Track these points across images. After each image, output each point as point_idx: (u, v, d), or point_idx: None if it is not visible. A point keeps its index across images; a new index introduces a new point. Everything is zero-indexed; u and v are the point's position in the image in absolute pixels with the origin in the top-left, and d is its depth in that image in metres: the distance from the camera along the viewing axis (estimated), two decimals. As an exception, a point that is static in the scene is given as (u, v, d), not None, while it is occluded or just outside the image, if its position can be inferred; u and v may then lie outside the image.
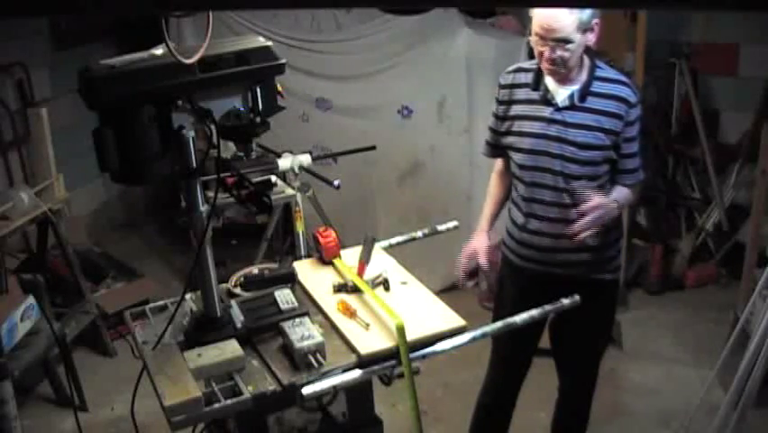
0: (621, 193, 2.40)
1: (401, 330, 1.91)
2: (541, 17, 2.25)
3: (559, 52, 2.26)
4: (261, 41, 1.94)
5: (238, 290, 2.21)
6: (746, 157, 4.28)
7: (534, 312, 2.13)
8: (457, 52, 4.04)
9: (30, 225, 3.58)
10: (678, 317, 4.07)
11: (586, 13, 2.23)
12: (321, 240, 2.34)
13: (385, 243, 2.53)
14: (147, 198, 5.41)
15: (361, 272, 2.23)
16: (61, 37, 4.51)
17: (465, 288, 2.51)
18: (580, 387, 2.75)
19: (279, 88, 1.95)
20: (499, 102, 2.49)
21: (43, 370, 3.50)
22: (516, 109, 2.44)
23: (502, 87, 2.49)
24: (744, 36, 4.38)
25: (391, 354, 1.93)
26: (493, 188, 2.64)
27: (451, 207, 4.05)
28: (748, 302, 2.94)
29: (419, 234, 2.59)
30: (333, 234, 2.36)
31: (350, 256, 2.34)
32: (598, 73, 2.36)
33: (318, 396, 1.88)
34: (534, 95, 2.39)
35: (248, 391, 1.81)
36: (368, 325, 2.01)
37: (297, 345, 1.87)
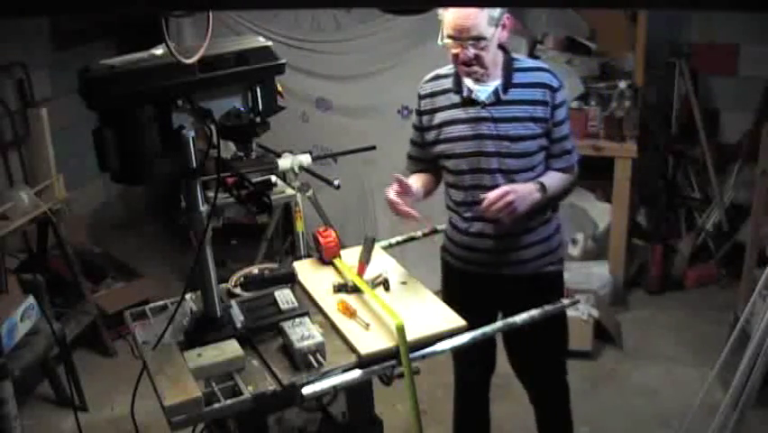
0: (549, 177, 2.37)
1: (401, 330, 1.91)
2: (453, 17, 2.24)
3: (473, 51, 2.25)
4: (261, 41, 1.94)
5: (238, 290, 2.21)
6: (746, 157, 4.28)
7: (534, 312, 2.13)
8: (457, 52, 4.04)
9: (30, 225, 3.57)
10: (678, 317, 4.06)
11: (497, 8, 2.22)
12: (321, 240, 2.34)
13: (385, 243, 2.53)
14: (147, 198, 5.41)
15: (361, 272, 2.23)
16: (61, 37, 4.51)
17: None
18: (551, 394, 2.66)
19: (279, 88, 1.95)
20: (421, 113, 2.46)
21: (43, 370, 3.50)
22: (440, 116, 2.41)
23: (422, 96, 2.46)
24: (744, 36, 4.38)
25: (391, 354, 1.93)
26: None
27: (451, 207, 4.05)
28: (748, 302, 2.94)
29: (419, 233, 2.59)
30: (333, 234, 2.36)
31: (350, 256, 2.34)
32: (516, 65, 2.35)
33: (318, 396, 1.88)
34: (457, 98, 2.38)
35: (248, 391, 1.81)
36: (368, 325, 2.01)
37: (297, 345, 1.87)
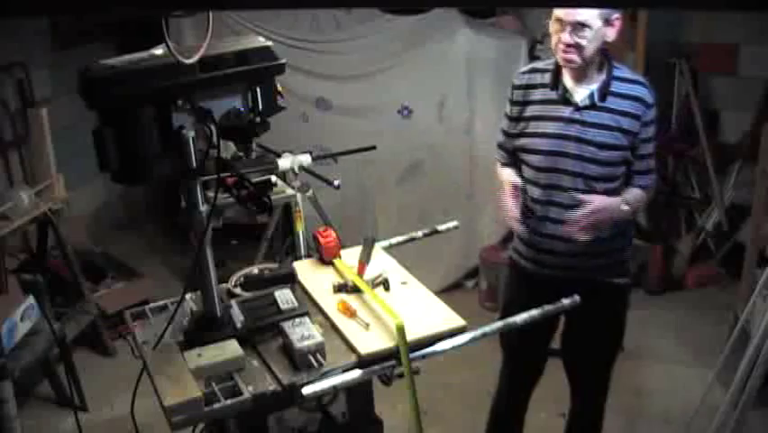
0: (633, 194, 2.38)
1: (401, 330, 1.91)
2: None
3: (576, 38, 2.22)
4: (261, 41, 1.94)
5: (238, 290, 2.21)
6: (746, 157, 4.28)
7: (534, 312, 2.13)
8: (457, 52, 4.04)
9: (30, 225, 3.58)
10: (678, 317, 4.07)
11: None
12: (321, 240, 2.34)
13: (385, 243, 2.52)
14: (147, 198, 5.41)
15: (361, 272, 2.23)
16: (61, 37, 4.51)
17: (516, 227, 2.40)
18: (593, 396, 2.69)
19: (279, 88, 1.95)
20: (513, 102, 2.44)
21: (43, 370, 3.50)
22: (531, 110, 2.39)
23: (516, 87, 2.44)
24: (744, 36, 4.37)
25: (391, 354, 1.93)
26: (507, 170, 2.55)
27: (451, 207, 4.05)
28: (748, 302, 2.94)
29: (419, 234, 2.58)
30: (333, 234, 2.36)
31: (350, 256, 2.34)
32: (616, 73, 2.33)
33: (318, 396, 1.88)
34: (552, 94, 2.35)
35: (248, 391, 1.81)
36: (368, 325, 2.01)
37: (297, 345, 1.87)
